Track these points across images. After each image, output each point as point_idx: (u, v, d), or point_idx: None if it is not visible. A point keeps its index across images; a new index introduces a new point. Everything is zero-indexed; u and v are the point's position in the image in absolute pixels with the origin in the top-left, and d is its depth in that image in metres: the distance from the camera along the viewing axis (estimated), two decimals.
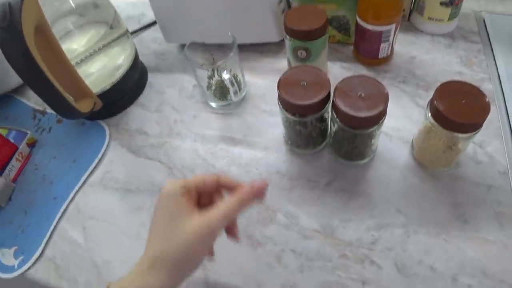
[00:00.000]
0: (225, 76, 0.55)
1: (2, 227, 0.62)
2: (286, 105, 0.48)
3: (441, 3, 0.65)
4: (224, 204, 0.37)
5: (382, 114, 0.46)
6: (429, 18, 0.68)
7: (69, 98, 0.55)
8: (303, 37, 0.56)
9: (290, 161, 0.56)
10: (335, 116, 0.47)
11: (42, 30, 0.54)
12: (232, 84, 0.56)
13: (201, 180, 0.40)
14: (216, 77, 0.58)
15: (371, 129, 0.47)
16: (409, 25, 0.71)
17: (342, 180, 0.54)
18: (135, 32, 0.83)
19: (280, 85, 0.48)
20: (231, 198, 0.38)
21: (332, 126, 0.51)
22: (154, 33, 0.81)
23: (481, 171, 0.53)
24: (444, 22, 0.68)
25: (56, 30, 0.62)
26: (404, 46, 0.68)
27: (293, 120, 0.50)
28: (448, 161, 0.52)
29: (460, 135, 0.46)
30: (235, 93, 0.57)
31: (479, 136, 0.47)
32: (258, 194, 0.39)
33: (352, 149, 0.51)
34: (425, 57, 0.66)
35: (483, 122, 0.45)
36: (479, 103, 0.45)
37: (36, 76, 0.51)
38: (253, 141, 0.60)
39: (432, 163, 0.53)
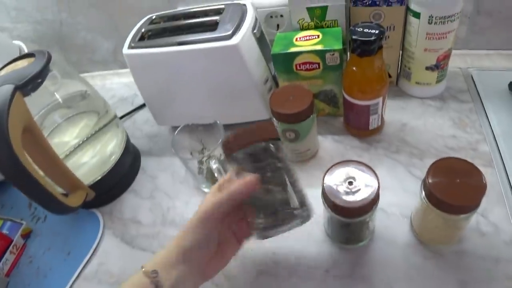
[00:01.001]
0: (213, 165, 0.55)
1: None
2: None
3: (427, 68, 0.65)
4: (234, 185, 0.43)
5: (373, 202, 0.44)
6: (417, 83, 0.68)
7: (58, 194, 0.55)
8: (289, 120, 0.56)
9: (286, 248, 0.54)
10: (326, 206, 0.46)
11: (30, 129, 0.54)
12: (220, 173, 0.55)
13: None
14: (206, 163, 0.57)
15: (364, 217, 0.45)
16: (397, 90, 0.72)
17: (341, 266, 0.51)
18: (128, 114, 0.84)
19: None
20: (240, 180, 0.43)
21: (326, 212, 0.49)
22: (147, 114, 0.82)
23: (487, 243, 0.50)
24: (432, 85, 0.68)
25: (46, 124, 0.63)
26: (394, 111, 0.68)
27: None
28: (449, 238, 0.50)
29: (457, 217, 0.44)
30: None
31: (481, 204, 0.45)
32: (250, 188, 0.43)
33: (347, 234, 0.50)
34: (416, 122, 0.66)
35: (480, 202, 0.43)
36: (475, 182, 0.44)
37: (23, 179, 0.51)
38: None
39: (433, 240, 0.51)
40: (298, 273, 0.52)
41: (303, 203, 0.45)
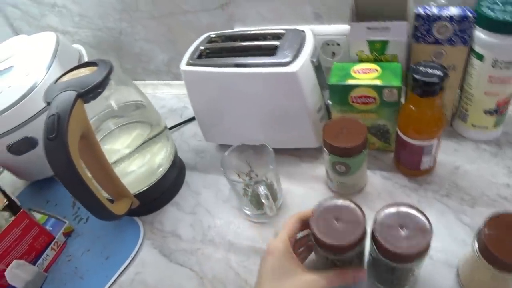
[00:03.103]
0: (262, 191, 0.55)
1: None
2: (320, 243, 0.46)
3: (485, 112, 0.63)
4: (331, 274, 0.45)
5: (424, 251, 0.43)
6: (473, 125, 0.66)
7: (106, 202, 0.56)
8: (342, 153, 0.55)
9: None
10: (375, 247, 0.45)
11: (87, 136, 0.56)
12: (268, 199, 0.55)
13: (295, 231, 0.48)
14: (252, 186, 0.57)
15: (412, 264, 0.44)
16: (451, 131, 0.69)
17: None
18: (176, 126, 0.86)
19: (313, 222, 0.46)
20: (337, 272, 0.45)
21: (372, 252, 0.48)
22: (195, 128, 0.83)
23: None
24: (489, 129, 0.66)
25: (99, 130, 0.65)
26: (447, 154, 0.65)
27: (328, 257, 0.48)
28: None
29: (510, 275, 0.42)
30: (270, 208, 0.56)
31: None
32: (355, 282, 0.46)
33: (391, 279, 0.48)
34: (470, 167, 0.63)
35: None
36: None
37: (76, 184, 0.52)
38: None
39: None
40: None
41: None
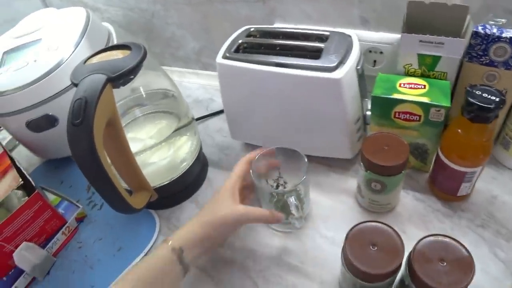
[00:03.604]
0: (293, 201, 0.52)
1: None
2: (353, 269, 0.43)
3: None
4: (258, 212, 0.53)
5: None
6: None
7: (126, 195, 0.53)
8: (380, 171, 0.52)
9: None
10: (409, 278, 0.42)
11: (112, 123, 0.53)
12: (297, 209, 0.52)
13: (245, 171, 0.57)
14: (281, 194, 0.55)
15: None
16: (491, 157, 0.66)
17: None
18: (201, 118, 0.83)
19: (347, 245, 0.44)
20: (263, 211, 0.54)
21: (405, 280, 0.45)
22: (221, 122, 0.80)
23: None
24: None
25: (124, 116, 0.62)
26: (484, 181, 0.62)
27: (359, 282, 0.45)
28: None
29: None
30: (299, 220, 0.53)
31: None
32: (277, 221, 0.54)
33: None
34: (508, 198, 0.60)
35: None
36: None
37: (96, 174, 0.49)
38: (309, 271, 0.55)
39: None
40: None
41: None
